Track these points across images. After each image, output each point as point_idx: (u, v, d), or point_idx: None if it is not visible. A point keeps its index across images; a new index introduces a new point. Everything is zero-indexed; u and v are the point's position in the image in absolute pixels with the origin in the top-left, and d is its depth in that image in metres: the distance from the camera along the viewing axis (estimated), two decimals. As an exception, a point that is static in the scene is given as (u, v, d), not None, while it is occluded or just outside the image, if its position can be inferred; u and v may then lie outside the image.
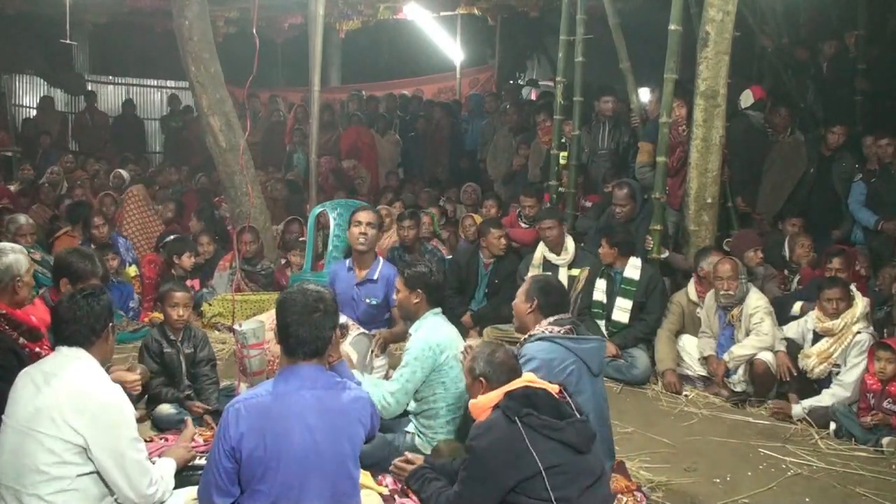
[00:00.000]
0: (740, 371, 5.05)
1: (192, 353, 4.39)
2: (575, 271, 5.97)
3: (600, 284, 5.69)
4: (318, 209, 6.48)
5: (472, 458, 2.74)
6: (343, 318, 3.60)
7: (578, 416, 2.79)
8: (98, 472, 2.66)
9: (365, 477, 3.23)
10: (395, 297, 3.96)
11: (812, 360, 4.80)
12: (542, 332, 3.39)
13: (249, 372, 3.99)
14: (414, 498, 3.31)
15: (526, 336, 3.50)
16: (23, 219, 6.27)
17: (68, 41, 7.76)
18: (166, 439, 3.92)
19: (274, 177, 9.77)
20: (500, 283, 6.24)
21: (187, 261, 6.57)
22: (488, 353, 2.97)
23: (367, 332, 4.39)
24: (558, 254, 6.02)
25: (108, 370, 2.98)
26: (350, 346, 4.08)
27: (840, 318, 4.75)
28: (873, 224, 6.24)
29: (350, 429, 2.61)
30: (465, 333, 3.76)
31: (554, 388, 2.85)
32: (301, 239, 7.08)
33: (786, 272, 5.90)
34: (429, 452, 3.62)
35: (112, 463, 2.65)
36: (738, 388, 5.06)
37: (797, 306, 5.27)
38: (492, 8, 11.08)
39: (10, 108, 12.70)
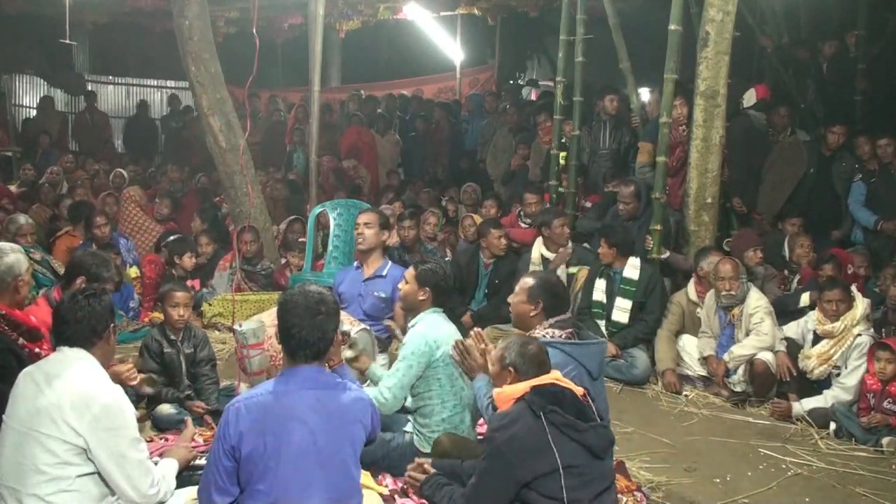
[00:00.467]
0: (740, 371, 5.05)
1: (192, 353, 4.39)
2: (573, 269, 5.99)
3: (600, 284, 5.69)
4: (318, 209, 6.48)
5: (493, 448, 2.72)
6: (344, 327, 3.60)
7: (600, 421, 2.79)
8: (98, 473, 2.66)
9: (365, 477, 3.23)
10: (401, 286, 3.95)
11: (812, 361, 4.80)
12: (543, 335, 3.37)
13: (249, 372, 3.99)
14: (414, 498, 3.32)
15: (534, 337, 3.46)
16: (23, 219, 6.28)
17: (68, 41, 7.76)
18: (166, 439, 3.92)
19: (274, 177, 9.77)
20: (500, 283, 6.24)
21: (188, 261, 6.57)
22: (521, 343, 2.96)
23: (368, 328, 4.39)
24: (556, 252, 6.03)
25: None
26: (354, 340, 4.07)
27: (840, 320, 4.75)
28: (873, 224, 6.24)
29: (350, 429, 2.61)
30: (465, 333, 3.75)
31: (579, 391, 2.85)
32: (301, 240, 7.08)
33: (786, 272, 5.90)
34: (427, 451, 3.62)
35: (113, 464, 2.65)
36: (738, 388, 5.06)
37: (805, 297, 5.27)
38: (492, 8, 11.08)
39: (10, 108, 12.71)
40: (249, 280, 6.69)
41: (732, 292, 5.05)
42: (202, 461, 3.19)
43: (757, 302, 5.06)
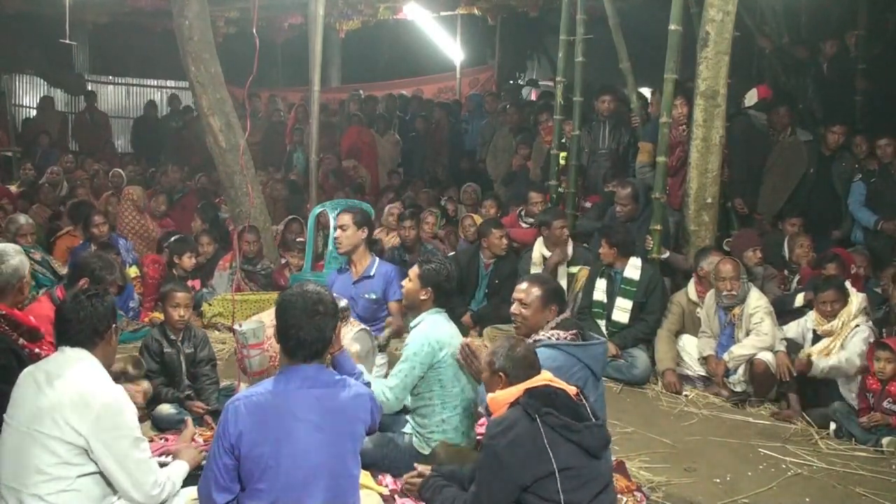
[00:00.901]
0: (740, 371, 5.05)
1: (192, 353, 4.39)
2: (574, 269, 5.99)
3: (600, 284, 5.69)
4: (318, 209, 6.48)
5: (491, 456, 2.72)
6: (342, 302, 3.58)
7: (594, 419, 2.79)
8: (100, 473, 2.66)
9: (365, 477, 3.24)
10: (405, 283, 3.93)
11: (813, 358, 4.80)
12: (548, 338, 3.36)
13: (249, 372, 3.98)
14: (413, 499, 3.31)
15: (532, 341, 3.43)
16: (23, 219, 6.28)
17: (68, 41, 7.76)
18: (166, 439, 3.92)
19: (274, 177, 9.78)
20: (500, 283, 6.24)
21: (188, 261, 6.57)
22: (508, 347, 2.94)
23: (367, 328, 4.39)
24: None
25: (110, 371, 2.98)
26: (352, 341, 4.07)
27: (837, 317, 4.77)
28: (873, 224, 6.24)
29: (350, 427, 2.61)
30: (465, 333, 3.75)
31: (572, 390, 2.84)
32: (300, 240, 7.08)
33: (786, 272, 5.90)
34: (426, 453, 3.62)
35: (116, 464, 2.65)
36: (738, 388, 5.06)
37: (800, 297, 5.28)
38: (492, 8, 11.08)
39: (10, 108, 12.69)
40: (249, 280, 6.69)
41: (734, 292, 5.05)
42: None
43: (757, 302, 5.06)
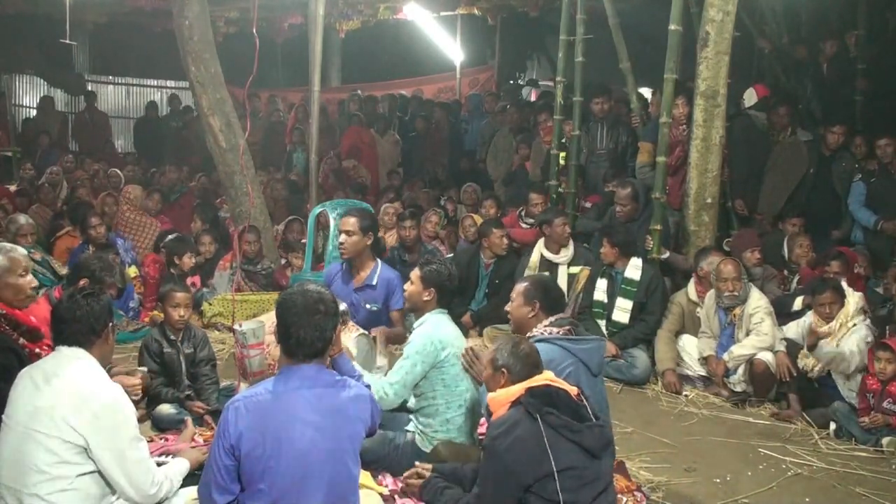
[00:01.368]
0: (740, 371, 5.05)
1: (192, 353, 4.39)
2: (574, 269, 5.99)
3: (601, 284, 5.69)
4: (318, 209, 6.48)
5: (493, 456, 2.71)
6: (342, 306, 3.58)
7: (595, 419, 2.78)
8: (99, 472, 2.66)
9: (365, 477, 3.23)
10: (407, 286, 3.93)
11: (811, 360, 4.80)
12: (541, 333, 3.37)
13: (249, 372, 3.99)
14: (414, 499, 3.31)
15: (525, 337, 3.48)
16: (23, 219, 6.28)
17: (68, 41, 7.76)
18: (166, 439, 3.92)
19: (274, 177, 9.78)
20: (500, 283, 6.24)
21: (188, 261, 6.57)
22: (512, 344, 2.94)
23: (367, 332, 4.39)
24: (557, 252, 6.03)
25: (109, 371, 2.98)
26: (351, 346, 4.08)
27: (835, 319, 4.76)
28: (873, 224, 6.24)
29: (350, 427, 2.61)
30: (465, 333, 3.76)
31: (573, 390, 2.84)
32: (302, 241, 7.08)
33: (785, 272, 5.90)
34: (429, 451, 3.62)
35: (113, 463, 2.65)
36: (738, 388, 5.06)
37: (798, 301, 5.28)
38: (492, 8, 11.09)
39: (10, 108, 12.71)
40: (250, 280, 6.69)
41: (735, 293, 5.05)
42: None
43: (757, 302, 5.06)
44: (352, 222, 4.74)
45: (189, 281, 6.26)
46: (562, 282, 5.85)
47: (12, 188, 8.81)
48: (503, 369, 2.89)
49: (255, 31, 4.25)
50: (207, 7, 7.01)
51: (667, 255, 5.93)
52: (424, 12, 11.59)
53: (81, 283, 3.96)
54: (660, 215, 5.88)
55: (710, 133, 5.74)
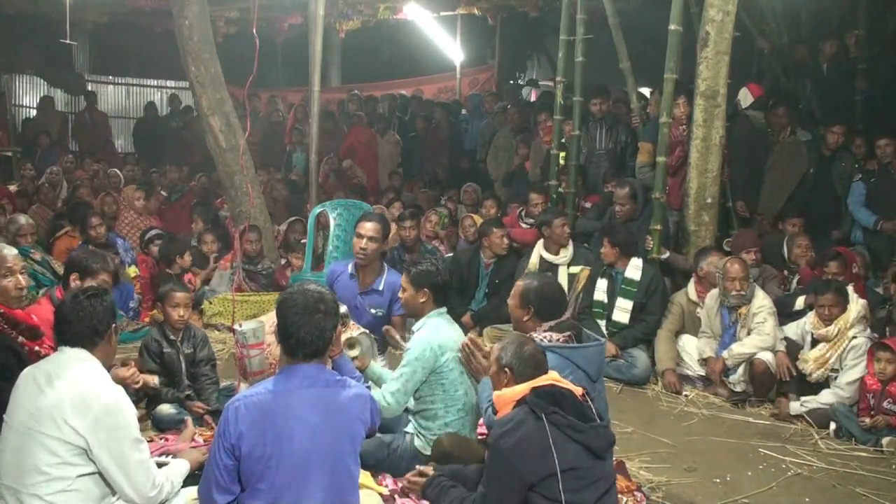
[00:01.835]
0: (740, 371, 5.05)
1: (191, 353, 4.39)
2: (575, 269, 5.99)
3: (601, 284, 5.69)
4: (318, 209, 6.48)
5: (498, 455, 2.71)
6: (343, 309, 3.58)
7: (599, 420, 2.78)
8: (99, 473, 2.66)
9: (365, 477, 3.23)
10: (400, 295, 3.93)
11: (810, 364, 4.81)
12: (541, 339, 3.36)
13: (249, 372, 3.99)
14: (414, 498, 3.31)
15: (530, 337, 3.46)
16: (23, 219, 6.28)
17: (68, 41, 7.75)
18: (166, 439, 3.92)
19: (274, 177, 9.78)
20: (500, 283, 6.25)
21: (188, 259, 6.56)
22: (518, 344, 2.95)
23: (368, 332, 4.38)
24: (557, 253, 6.03)
25: (111, 371, 2.98)
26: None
27: (834, 323, 4.76)
28: (873, 224, 6.25)
29: (350, 427, 2.61)
30: (465, 333, 3.76)
31: (578, 391, 2.84)
32: (303, 241, 7.08)
33: (785, 272, 5.90)
34: (428, 453, 3.62)
35: (114, 464, 2.64)
36: (738, 388, 5.06)
37: (800, 301, 5.29)
38: (492, 8, 11.09)
39: (10, 108, 12.70)
40: (251, 280, 6.70)
41: (742, 292, 5.05)
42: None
43: (762, 302, 5.06)
44: (372, 228, 4.63)
45: (185, 278, 6.25)
46: (562, 282, 5.83)
47: (12, 188, 8.80)
48: (506, 368, 2.90)
49: (255, 31, 4.25)
50: (207, 7, 7.01)
51: (667, 255, 5.93)
52: (424, 12, 11.58)
53: (73, 277, 3.96)
54: (660, 215, 5.88)
55: (710, 133, 5.75)
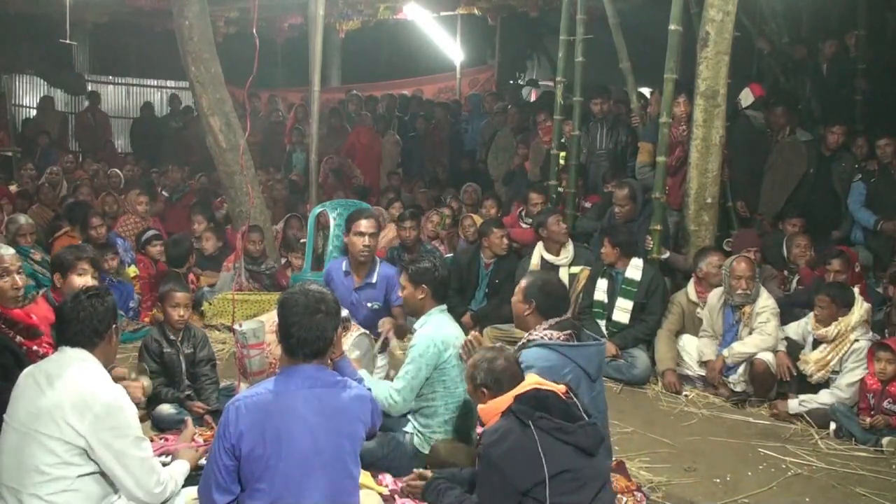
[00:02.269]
0: (740, 371, 5.05)
1: (191, 353, 4.39)
2: (575, 269, 5.98)
3: (601, 284, 5.69)
4: (318, 209, 6.48)
5: (489, 466, 2.71)
6: (344, 312, 3.59)
7: (586, 417, 2.78)
8: (100, 472, 2.66)
9: (365, 477, 3.23)
10: (399, 293, 3.95)
11: (811, 366, 4.81)
12: (541, 337, 3.36)
13: (249, 372, 3.99)
14: (415, 499, 3.31)
15: (525, 340, 3.46)
16: (23, 219, 6.28)
17: (68, 41, 7.75)
18: (166, 439, 3.92)
19: (274, 177, 9.78)
20: (500, 283, 6.24)
21: (193, 259, 6.57)
22: (489, 361, 2.94)
23: (367, 332, 4.39)
24: (557, 254, 6.03)
25: (110, 371, 2.97)
26: (352, 346, 4.08)
27: (834, 325, 4.76)
28: (873, 224, 6.24)
29: (350, 427, 2.61)
30: (466, 334, 3.77)
31: (560, 389, 2.84)
32: (302, 240, 7.08)
33: (786, 272, 5.90)
34: (427, 452, 3.62)
35: (117, 463, 2.64)
36: (738, 388, 5.06)
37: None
38: (492, 8, 11.08)
39: (10, 108, 12.69)
40: (254, 280, 6.70)
41: (748, 291, 5.05)
42: (203, 461, 3.19)
43: (765, 302, 5.06)
44: (372, 224, 4.79)
45: (188, 278, 6.25)
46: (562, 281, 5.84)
47: (12, 188, 8.79)
48: (482, 388, 2.90)
49: (255, 31, 4.25)
50: (207, 7, 7.01)
51: (667, 255, 5.93)
52: (424, 12, 11.58)
53: (55, 276, 4.01)
54: (660, 215, 5.88)
55: (710, 133, 5.75)
